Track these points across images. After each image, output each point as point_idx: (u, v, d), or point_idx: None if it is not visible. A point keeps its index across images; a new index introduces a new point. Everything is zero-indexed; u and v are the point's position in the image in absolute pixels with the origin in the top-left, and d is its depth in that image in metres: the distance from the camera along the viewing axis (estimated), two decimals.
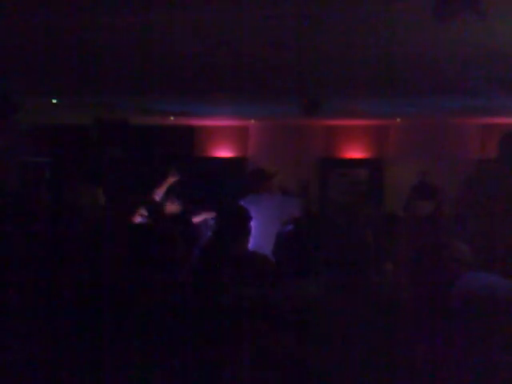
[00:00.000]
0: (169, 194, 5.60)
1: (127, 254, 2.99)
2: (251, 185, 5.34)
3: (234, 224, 3.96)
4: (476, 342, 2.16)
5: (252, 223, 4.11)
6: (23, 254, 4.26)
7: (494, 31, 4.58)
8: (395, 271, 3.59)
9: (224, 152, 12.63)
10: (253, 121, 12.01)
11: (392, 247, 3.73)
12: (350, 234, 3.00)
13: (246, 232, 4.02)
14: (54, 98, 9.22)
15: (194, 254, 3.88)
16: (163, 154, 11.20)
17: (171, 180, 5.76)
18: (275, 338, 2.37)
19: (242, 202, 4.87)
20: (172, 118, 11.46)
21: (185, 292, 2.78)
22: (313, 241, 3.10)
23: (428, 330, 2.36)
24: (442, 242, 2.73)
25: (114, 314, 2.66)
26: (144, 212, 4.88)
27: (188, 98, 8.98)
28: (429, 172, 9.69)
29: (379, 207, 10.10)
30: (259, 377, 2.32)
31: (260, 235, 4.42)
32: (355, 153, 12.12)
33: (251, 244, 4.21)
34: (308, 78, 7.11)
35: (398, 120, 11.20)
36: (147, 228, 3.59)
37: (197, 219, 5.18)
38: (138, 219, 4.92)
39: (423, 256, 2.66)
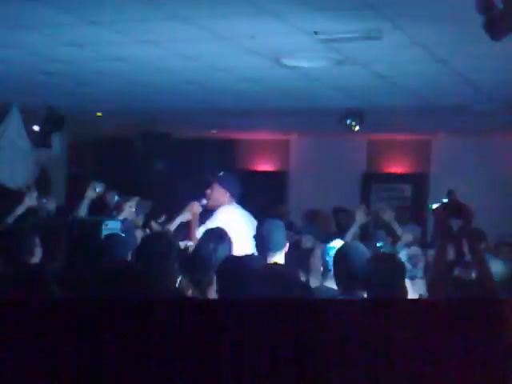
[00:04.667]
0: None
1: None
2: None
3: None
4: None
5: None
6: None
7: None
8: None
9: (265, 166, 12.64)
10: (294, 134, 12.00)
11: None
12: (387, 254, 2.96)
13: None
14: (99, 112, 9.37)
15: None
16: (205, 167, 11.25)
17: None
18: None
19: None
20: (214, 132, 11.52)
21: None
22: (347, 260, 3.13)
23: None
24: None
25: None
26: None
27: (230, 112, 9.02)
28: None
29: (422, 223, 9.94)
30: None
31: None
32: (398, 167, 11.99)
33: None
34: (350, 91, 7.08)
35: (443, 134, 11.05)
36: None
37: None
38: None
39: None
